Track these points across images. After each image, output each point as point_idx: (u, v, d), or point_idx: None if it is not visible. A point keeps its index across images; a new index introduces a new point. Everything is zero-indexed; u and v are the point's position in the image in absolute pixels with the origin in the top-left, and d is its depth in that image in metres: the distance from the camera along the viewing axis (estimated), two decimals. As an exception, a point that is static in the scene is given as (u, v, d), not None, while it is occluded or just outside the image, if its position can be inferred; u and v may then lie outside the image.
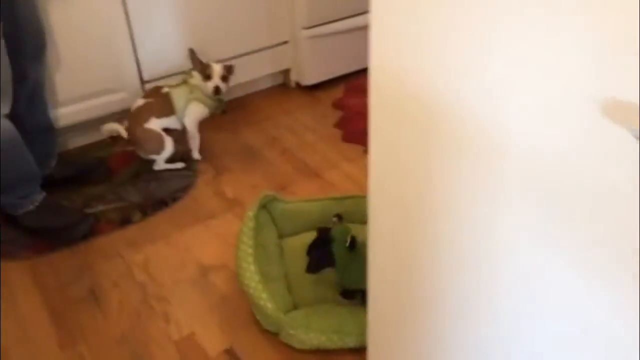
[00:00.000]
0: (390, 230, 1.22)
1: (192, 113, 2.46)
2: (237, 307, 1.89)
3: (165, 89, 2.45)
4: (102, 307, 1.91)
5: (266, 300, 1.69)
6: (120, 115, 2.60)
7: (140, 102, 2.45)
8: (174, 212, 2.32)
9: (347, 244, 1.69)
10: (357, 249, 1.69)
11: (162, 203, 2.35)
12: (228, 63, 2.50)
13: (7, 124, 1.96)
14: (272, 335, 1.76)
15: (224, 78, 2.44)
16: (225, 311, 1.88)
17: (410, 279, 1.21)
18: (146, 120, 2.40)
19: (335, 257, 1.70)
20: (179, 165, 2.53)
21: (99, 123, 2.62)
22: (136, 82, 2.61)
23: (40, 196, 2.15)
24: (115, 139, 2.49)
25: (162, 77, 2.64)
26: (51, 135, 2.37)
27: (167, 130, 2.47)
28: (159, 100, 2.44)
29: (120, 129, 2.44)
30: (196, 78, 2.44)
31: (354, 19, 2.96)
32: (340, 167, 2.56)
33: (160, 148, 2.44)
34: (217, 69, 2.42)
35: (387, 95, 1.10)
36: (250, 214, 1.91)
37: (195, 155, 2.57)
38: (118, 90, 2.59)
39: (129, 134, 2.43)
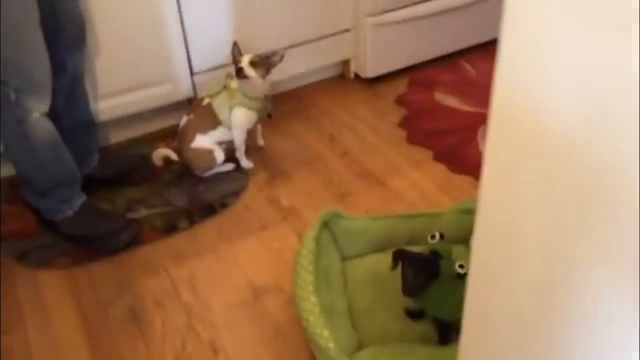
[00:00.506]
0: (498, 276, 0.99)
1: (237, 119, 2.24)
2: (293, 339, 1.69)
3: (206, 101, 2.24)
4: (144, 330, 1.74)
5: (328, 339, 1.48)
6: (169, 110, 2.42)
7: (184, 120, 2.26)
8: (222, 220, 2.13)
9: (457, 268, 1.46)
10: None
11: (210, 209, 2.17)
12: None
13: (47, 125, 1.80)
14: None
15: (254, 64, 2.17)
16: (280, 345, 1.69)
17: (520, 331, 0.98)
18: (192, 139, 2.21)
19: (440, 279, 1.47)
20: (229, 166, 2.34)
21: (144, 117, 2.45)
22: (185, 73, 2.42)
23: (80, 200, 1.99)
24: (168, 162, 2.32)
25: (213, 69, 2.44)
26: (92, 131, 2.21)
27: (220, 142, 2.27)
28: (200, 115, 2.23)
29: (170, 153, 2.27)
30: (236, 81, 2.22)
31: (421, 5, 2.69)
32: (405, 173, 2.33)
33: (211, 164, 2.25)
34: (245, 57, 2.18)
35: (511, 129, 0.87)
36: (311, 234, 1.70)
37: (244, 163, 2.36)
38: (165, 82, 2.40)
39: (178, 156, 2.26)
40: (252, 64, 2.17)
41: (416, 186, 2.26)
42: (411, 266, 1.47)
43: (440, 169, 2.35)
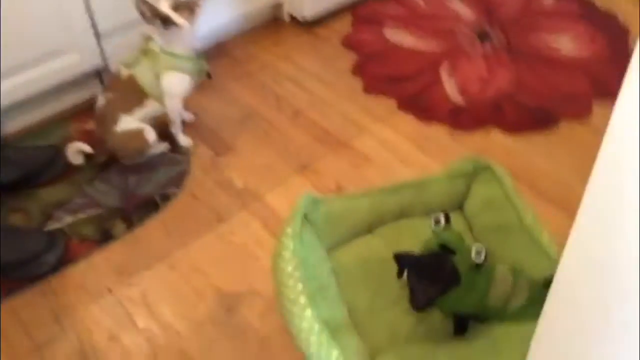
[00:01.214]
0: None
1: (170, 87, 1.87)
2: (284, 353, 1.44)
3: (124, 72, 1.85)
4: (99, 374, 1.44)
5: (339, 361, 1.25)
6: (76, 86, 2.01)
7: (102, 100, 1.87)
8: (168, 217, 1.81)
9: (474, 257, 1.24)
10: (484, 265, 1.25)
11: (149, 204, 1.84)
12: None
13: None
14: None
15: (178, 8, 1.77)
16: (271, 365, 1.44)
17: None
18: (115, 121, 1.83)
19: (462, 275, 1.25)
20: (163, 147, 1.99)
21: (46, 98, 2.02)
22: (89, 37, 2.00)
23: (-17, 220, 1.60)
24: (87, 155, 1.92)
25: (124, 28, 2.04)
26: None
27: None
28: (121, 91, 1.85)
29: (84, 147, 1.88)
30: (156, 41, 1.84)
31: None
32: (370, 130, 2.07)
33: (143, 148, 1.89)
34: (163, 2, 1.78)
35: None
36: (290, 231, 1.43)
37: (182, 141, 2.01)
38: (66, 51, 1.98)
39: (99, 143, 1.87)
40: (176, 8, 1.78)
41: (386, 144, 2.01)
42: (419, 277, 1.23)
43: (408, 120, 2.11)
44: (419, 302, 1.23)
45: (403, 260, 1.28)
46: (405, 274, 1.28)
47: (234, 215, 1.80)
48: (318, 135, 2.06)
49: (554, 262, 1.46)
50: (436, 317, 1.42)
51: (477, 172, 1.67)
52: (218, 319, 1.53)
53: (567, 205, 1.79)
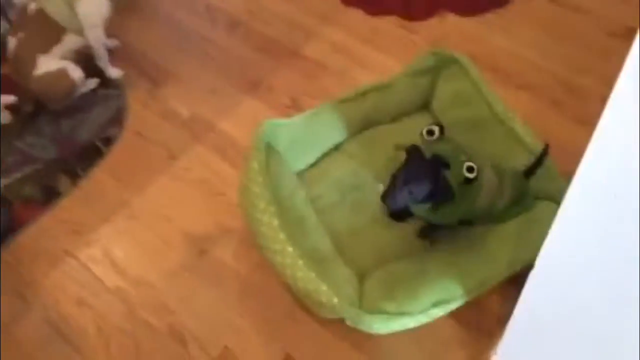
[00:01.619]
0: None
1: (87, 15, 1.66)
2: (270, 291, 1.40)
3: (33, 6, 1.62)
4: (76, 343, 1.36)
5: (329, 294, 1.20)
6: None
7: (12, 42, 1.64)
8: (115, 162, 1.67)
9: (465, 173, 1.17)
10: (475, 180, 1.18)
11: (92, 151, 1.69)
12: None
13: None
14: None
15: None
16: (257, 303, 1.39)
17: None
18: (33, 64, 1.62)
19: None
20: (93, 82, 1.81)
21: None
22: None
23: None
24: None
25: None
26: None
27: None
28: (33, 28, 1.63)
29: (7, 98, 1.67)
30: None
31: None
32: (317, 33, 1.92)
33: (70, 89, 1.70)
34: None
35: None
36: (255, 164, 1.32)
37: (112, 72, 1.83)
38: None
39: (20, 93, 1.67)
40: None
41: (337, 46, 1.88)
42: (407, 178, 1.15)
43: (355, 16, 1.96)
44: (390, 198, 1.16)
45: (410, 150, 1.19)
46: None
47: (187, 150, 1.67)
48: (263, 47, 1.90)
49: (530, 151, 1.42)
50: (410, 232, 1.37)
51: (441, 66, 1.57)
52: (192, 265, 1.45)
53: (532, 85, 1.73)
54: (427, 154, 1.18)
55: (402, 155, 1.47)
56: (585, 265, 0.82)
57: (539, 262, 0.88)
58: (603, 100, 1.73)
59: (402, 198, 1.18)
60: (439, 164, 1.15)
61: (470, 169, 1.16)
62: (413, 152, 1.17)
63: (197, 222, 1.52)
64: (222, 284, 1.42)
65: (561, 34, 1.84)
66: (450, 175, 1.16)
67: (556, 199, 1.36)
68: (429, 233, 1.32)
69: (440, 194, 1.14)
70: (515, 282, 1.27)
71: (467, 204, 1.19)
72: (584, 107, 1.67)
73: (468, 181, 1.16)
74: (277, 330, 1.35)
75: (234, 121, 1.72)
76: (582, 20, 1.87)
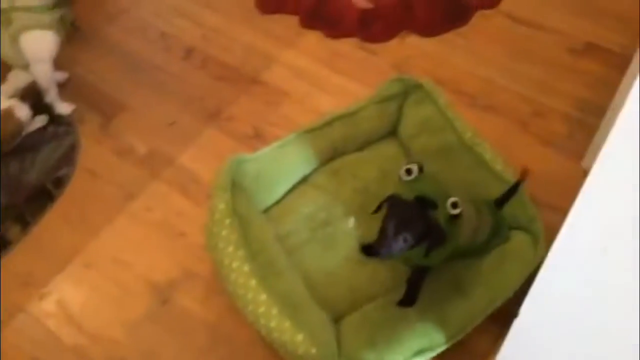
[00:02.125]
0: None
1: (33, 50, 1.58)
2: (240, 337, 1.34)
3: None
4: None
5: (306, 344, 1.15)
6: None
7: None
8: (67, 204, 1.59)
9: (450, 210, 1.13)
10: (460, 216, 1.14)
11: (42, 194, 1.60)
12: None
13: None
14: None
15: None
16: (228, 352, 1.33)
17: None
18: None
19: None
20: (41, 120, 1.72)
21: None
22: None
23: None
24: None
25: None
26: None
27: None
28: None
29: None
30: None
31: None
32: (277, 57, 1.88)
33: (18, 128, 1.61)
34: None
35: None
36: (221, 203, 1.27)
37: (62, 108, 1.74)
38: None
39: None
40: None
41: (298, 71, 1.84)
42: (397, 224, 1.10)
43: (315, 39, 1.92)
44: (384, 247, 1.10)
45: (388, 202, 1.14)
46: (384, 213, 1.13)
47: (145, 188, 1.60)
48: (221, 74, 1.84)
49: (500, 179, 1.40)
50: (391, 268, 1.33)
51: (407, 92, 1.54)
52: (155, 315, 1.38)
53: (497, 106, 1.72)
54: (408, 195, 1.13)
55: (374, 187, 1.44)
56: (569, 318, 0.79)
57: (524, 309, 0.85)
58: (567, 119, 1.73)
59: (397, 246, 1.10)
60: (425, 205, 1.11)
61: (454, 205, 1.13)
62: (394, 200, 1.12)
63: (159, 267, 1.45)
64: (189, 333, 1.35)
65: (522, 52, 1.84)
66: (437, 215, 1.12)
67: (528, 229, 1.36)
68: (419, 279, 1.26)
69: (434, 235, 1.10)
70: (494, 317, 1.25)
71: (454, 242, 1.15)
72: (549, 127, 1.67)
73: (453, 218, 1.13)
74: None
75: (195, 154, 1.66)
76: (542, 37, 1.87)
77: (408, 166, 1.18)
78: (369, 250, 1.35)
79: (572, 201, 1.46)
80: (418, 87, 1.53)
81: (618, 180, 0.58)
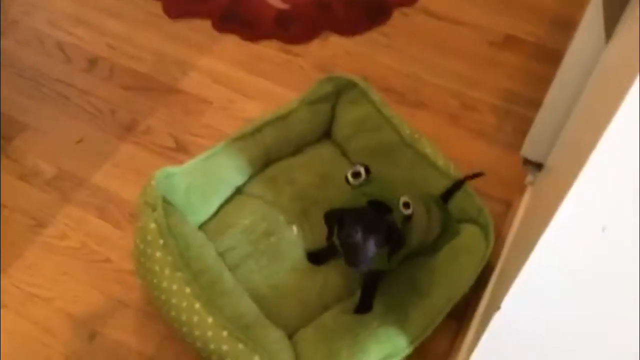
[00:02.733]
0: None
1: None
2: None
3: None
4: None
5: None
6: None
7: None
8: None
9: (402, 209, 1.08)
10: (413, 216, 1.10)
11: None
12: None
13: None
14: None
15: None
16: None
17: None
18: None
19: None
20: None
21: None
22: None
23: None
24: None
25: None
26: None
27: None
28: None
29: None
30: None
31: None
32: (194, 64, 1.79)
33: None
34: None
35: None
36: (153, 225, 1.16)
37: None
38: None
39: None
40: None
41: (218, 77, 1.76)
42: (360, 232, 1.03)
43: (232, 43, 1.85)
44: (360, 258, 1.03)
45: (336, 216, 1.07)
46: (336, 233, 1.07)
47: (56, 214, 1.45)
48: (132, 84, 1.72)
49: (443, 173, 1.38)
50: (343, 276, 1.28)
51: (340, 91, 1.50)
52: (83, 352, 1.25)
53: (426, 102, 1.73)
54: (359, 199, 1.08)
55: (313, 192, 1.38)
56: (560, 304, 0.76)
57: (505, 302, 0.82)
58: (495, 110, 1.76)
59: (371, 252, 1.04)
60: (382, 208, 1.06)
61: (406, 205, 1.09)
62: (346, 211, 1.06)
63: (81, 299, 1.32)
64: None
65: (444, 47, 1.86)
66: (392, 218, 1.08)
67: (477, 220, 1.35)
68: (374, 284, 1.21)
69: (394, 238, 1.05)
70: (450, 314, 1.22)
71: (409, 242, 1.11)
72: (479, 119, 1.69)
73: (406, 218, 1.09)
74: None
75: (110, 173, 1.53)
76: (462, 32, 1.90)
77: (355, 169, 1.13)
78: (315, 258, 1.29)
79: (512, 190, 1.49)
80: (351, 86, 1.49)
81: (621, 160, 0.55)
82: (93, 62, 1.77)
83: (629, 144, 0.54)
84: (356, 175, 1.13)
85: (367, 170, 1.14)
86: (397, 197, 1.09)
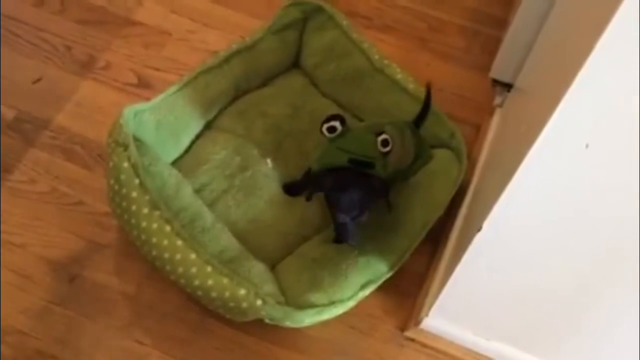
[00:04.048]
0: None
1: None
2: (168, 302, 1.27)
3: None
4: None
5: (251, 298, 1.11)
6: None
7: None
8: None
9: (380, 148, 1.13)
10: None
11: None
12: None
13: None
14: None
15: None
16: (156, 321, 1.26)
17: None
18: None
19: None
20: None
21: None
22: None
23: None
24: None
25: None
26: None
27: None
28: None
29: None
30: None
31: None
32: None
33: None
34: None
35: None
36: (126, 164, 1.15)
37: None
38: None
39: None
40: None
41: (176, 7, 1.71)
42: (346, 191, 1.07)
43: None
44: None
45: (319, 183, 1.11)
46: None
47: (21, 158, 1.42)
48: (85, 18, 1.66)
49: (415, 98, 1.40)
50: (320, 206, 1.30)
51: (307, 18, 1.48)
52: (64, 296, 1.26)
53: (393, 26, 1.72)
54: (338, 155, 1.10)
55: (285, 124, 1.39)
56: (539, 223, 0.80)
57: (487, 223, 0.85)
58: (463, 31, 1.75)
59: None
60: (362, 172, 1.09)
61: (384, 143, 1.11)
62: (325, 177, 1.09)
63: (57, 243, 1.32)
64: (108, 309, 1.25)
65: (408, -34, 1.83)
66: (376, 171, 1.10)
67: (449, 145, 1.38)
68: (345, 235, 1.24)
69: (377, 191, 1.08)
70: (426, 236, 1.27)
71: (386, 174, 1.14)
72: (447, 41, 1.69)
73: (385, 154, 1.11)
74: (189, 347, 1.22)
75: (73, 112, 1.50)
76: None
77: (330, 123, 1.14)
78: (292, 189, 1.32)
79: (481, 112, 1.52)
80: (318, 10, 1.47)
81: (606, 79, 0.57)
82: (40, -4, 1.69)
83: (617, 61, 0.55)
84: (332, 129, 1.14)
85: (342, 122, 1.15)
86: (374, 132, 1.11)
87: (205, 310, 1.22)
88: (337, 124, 1.15)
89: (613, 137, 0.64)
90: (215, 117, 1.40)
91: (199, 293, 1.12)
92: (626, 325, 0.90)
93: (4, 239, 1.31)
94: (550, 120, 0.63)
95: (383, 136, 1.12)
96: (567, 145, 0.66)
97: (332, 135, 1.15)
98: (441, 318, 1.19)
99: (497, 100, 1.48)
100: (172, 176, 1.22)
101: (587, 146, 0.65)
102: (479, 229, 0.87)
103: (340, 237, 1.20)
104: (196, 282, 1.10)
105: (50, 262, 1.29)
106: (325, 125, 1.15)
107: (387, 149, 1.12)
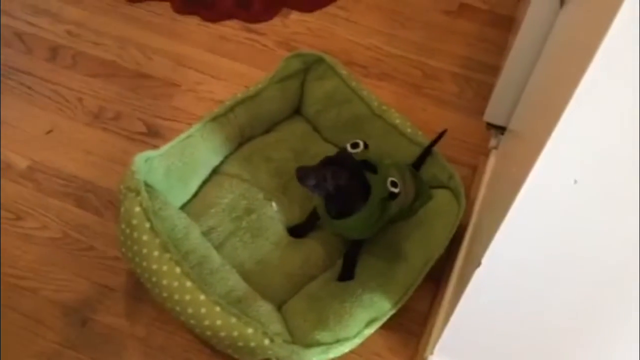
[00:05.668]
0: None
1: None
2: (178, 344, 1.28)
3: None
4: None
5: (259, 337, 1.12)
6: None
7: None
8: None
9: (389, 186, 1.16)
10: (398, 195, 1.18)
11: None
12: None
13: None
14: None
15: None
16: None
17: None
18: None
19: (370, 201, 1.16)
20: None
21: None
22: None
23: None
24: None
25: None
26: None
27: None
28: None
29: None
30: None
31: None
32: (158, 48, 1.81)
33: None
34: None
35: None
36: (138, 208, 1.19)
37: None
38: None
39: None
40: None
41: (182, 59, 1.78)
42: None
43: (193, 24, 1.87)
44: (308, 178, 1.13)
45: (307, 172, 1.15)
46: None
47: (33, 205, 1.45)
48: (95, 71, 1.72)
49: (413, 142, 1.44)
50: (324, 248, 1.33)
51: (308, 68, 1.54)
52: (76, 339, 1.27)
53: (389, 74, 1.78)
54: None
55: (289, 167, 1.43)
56: (536, 257, 0.83)
57: (486, 258, 0.88)
58: (455, 78, 1.82)
59: (316, 175, 1.14)
60: (366, 164, 1.13)
61: (393, 184, 1.15)
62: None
63: (68, 287, 1.34)
64: (119, 352, 1.26)
65: (402, 18, 1.91)
66: (374, 180, 1.14)
67: (448, 185, 1.42)
68: (356, 251, 1.28)
69: (356, 188, 1.12)
70: (428, 275, 1.29)
71: (391, 214, 1.17)
72: (441, 87, 1.75)
73: (392, 196, 1.15)
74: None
75: (83, 161, 1.54)
76: (418, 2, 1.95)
77: (354, 140, 1.19)
78: (296, 231, 1.35)
79: (477, 154, 1.56)
80: (319, 61, 1.52)
81: (591, 117, 0.61)
82: (54, 51, 1.75)
83: (599, 101, 0.59)
84: (354, 145, 1.18)
85: (366, 145, 1.19)
86: (386, 174, 1.16)
87: (214, 352, 1.23)
88: (360, 142, 1.19)
89: (600, 172, 0.67)
90: (222, 163, 1.44)
91: (208, 333, 1.14)
92: (627, 355, 0.92)
93: (17, 284, 1.33)
94: (539, 158, 0.67)
95: (392, 178, 1.16)
96: (556, 182, 0.69)
97: (354, 151, 1.19)
98: (445, 356, 1.20)
99: (493, 142, 1.53)
100: (181, 219, 1.26)
101: (575, 182, 0.68)
102: (479, 265, 0.90)
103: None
104: (206, 322, 1.12)
105: (61, 306, 1.31)
106: (350, 142, 1.20)
107: (396, 190, 1.16)
